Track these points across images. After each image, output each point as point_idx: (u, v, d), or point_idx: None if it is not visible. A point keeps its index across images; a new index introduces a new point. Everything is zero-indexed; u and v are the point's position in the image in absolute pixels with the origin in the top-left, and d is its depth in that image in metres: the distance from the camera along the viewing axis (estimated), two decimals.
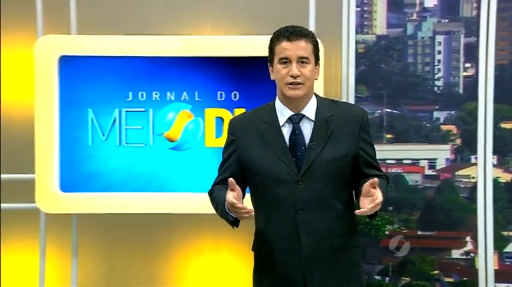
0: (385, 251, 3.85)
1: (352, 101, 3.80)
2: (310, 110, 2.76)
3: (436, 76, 3.87)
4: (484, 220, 3.81)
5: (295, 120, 2.75)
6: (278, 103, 2.79)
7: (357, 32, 3.87)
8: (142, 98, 3.77)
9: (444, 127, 3.86)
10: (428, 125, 3.86)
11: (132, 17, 4.16)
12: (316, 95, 2.82)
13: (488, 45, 3.80)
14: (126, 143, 3.78)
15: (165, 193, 3.76)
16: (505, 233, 3.85)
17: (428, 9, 3.89)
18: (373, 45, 3.89)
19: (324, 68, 3.53)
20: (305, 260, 2.70)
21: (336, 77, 3.88)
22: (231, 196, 2.59)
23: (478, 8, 3.82)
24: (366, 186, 2.58)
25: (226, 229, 4.15)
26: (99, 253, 4.24)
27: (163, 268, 4.25)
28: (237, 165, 2.80)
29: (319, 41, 2.79)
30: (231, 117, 3.71)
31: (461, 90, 3.86)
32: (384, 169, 2.89)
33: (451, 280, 3.86)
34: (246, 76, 3.73)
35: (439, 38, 3.89)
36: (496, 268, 3.84)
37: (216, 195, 2.78)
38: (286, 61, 2.70)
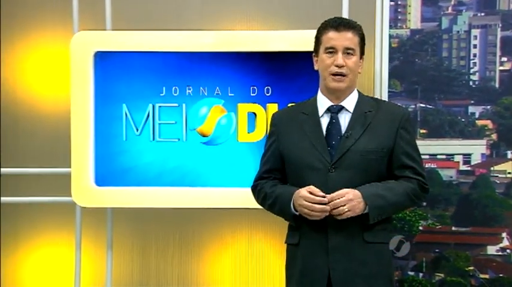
0: (419, 246, 3.83)
1: (385, 96, 3.77)
2: (350, 102, 2.78)
3: (472, 71, 3.83)
4: None
5: (334, 110, 2.77)
6: (320, 94, 2.82)
7: (390, 27, 3.84)
8: (175, 93, 3.79)
9: (479, 122, 3.81)
10: (463, 120, 3.82)
11: (168, 13, 4.17)
12: (360, 92, 2.83)
13: None
14: (160, 138, 3.80)
15: (198, 188, 3.78)
16: None
17: (464, 2, 3.84)
18: (407, 40, 3.86)
19: None
20: (331, 250, 2.70)
21: (369, 72, 3.86)
22: (305, 192, 2.66)
23: None
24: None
25: (259, 223, 4.21)
26: (133, 247, 4.27)
27: (197, 262, 4.27)
28: (277, 156, 2.85)
29: None
30: (264, 112, 3.75)
31: (497, 85, 3.81)
32: None
33: (486, 276, 3.82)
34: (278, 71, 3.72)
35: (475, 32, 3.84)
36: None
37: (272, 192, 2.83)
38: (332, 51, 2.74)
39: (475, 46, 3.83)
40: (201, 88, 3.78)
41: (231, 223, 4.22)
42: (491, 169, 3.82)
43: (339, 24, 2.75)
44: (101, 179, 3.84)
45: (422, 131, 3.84)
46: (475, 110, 3.82)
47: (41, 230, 4.26)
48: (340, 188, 2.68)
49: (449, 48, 3.85)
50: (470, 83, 3.83)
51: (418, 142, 2.89)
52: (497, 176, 3.82)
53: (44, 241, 4.26)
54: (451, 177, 3.82)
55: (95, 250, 4.22)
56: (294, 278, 2.82)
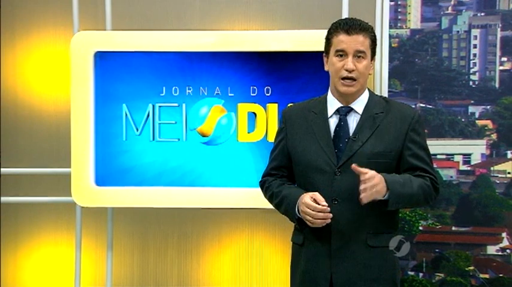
0: (419, 246, 3.83)
1: (385, 95, 3.77)
2: (359, 104, 2.77)
3: (472, 70, 3.83)
4: None
5: (343, 112, 2.76)
6: (329, 94, 2.81)
7: (390, 27, 3.84)
8: (175, 93, 3.79)
9: (480, 122, 3.81)
10: (463, 119, 3.82)
11: (167, 13, 4.18)
12: (370, 91, 2.82)
13: None
14: (160, 138, 3.81)
15: (198, 188, 3.79)
16: None
17: (464, 2, 3.84)
18: (407, 40, 3.86)
19: None
20: (333, 254, 2.70)
21: None
22: (309, 199, 2.64)
23: None
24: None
25: (259, 223, 4.21)
26: (133, 247, 4.28)
27: (196, 262, 4.27)
28: (285, 153, 2.85)
29: None
30: (264, 112, 3.75)
31: (497, 85, 3.81)
32: None
33: (486, 276, 3.82)
34: (278, 71, 3.73)
35: (475, 32, 3.84)
36: None
37: (279, 191, 2.82)
38: (342, 54, 2.71)
39: (475, 46, 3.83)
40: (201, 88, 3.79)
41: (230, 223, 4.22)
42: (491, 168, 3.81)
43: (349, 26, 2.70)
44: (101, 179, 3.84)
45: None
46: (475, 110, 3.82)
47: (41, 230, 4.26)
48: (346, 191, 2.68)
49: (449, 48, 3.85)
50: (470, 83, 3.82)
51: None
52: (497, 176, 3.81)
53: (44, 240, 4.27)
54: (451, 177, 3.82)
55: (95, 249, 4.22)
56: (297, 279, 2.82)
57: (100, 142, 3.83)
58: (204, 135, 3.80)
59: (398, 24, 3.87)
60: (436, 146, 3.82)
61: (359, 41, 2.70)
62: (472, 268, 3.82)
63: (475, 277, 3.82)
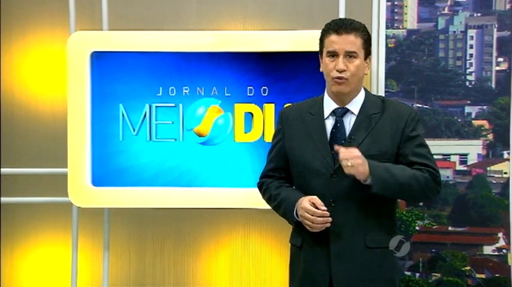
0: (416, 246, 3.83)
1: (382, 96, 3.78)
2: (355, 105, 2.76)
3: (468, 71, 3.83)
4: None
5: (339, 113, 2.75)
6: (326, 96, 2.81)
7: (387, 27, 3.84)
8: (172, 93, 3.79)
9: (476, 122, 3.81)
10: (459, 120, 3.82)
11: (164, 13, 4.18)
12: (367, 91, 2.82)
13: None
14: (157, 138, 3.81)
15: (194, 188, 3.79)
16: None
17: (460, 3, 3.84)
18: (403, 40, 3.86)
19: None
20: (332, 256, 2.70)
21: None
22: (308, 204, 2.64)
23: None
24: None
25: (255, 223, 4.21)
26: (130, 247, 4.28)
27: (193, 262, 4.28)
28: (282, 155, 2.84)
29: None
30: (260, 112, 3.75)
31: (493, 85, 3.81)
32: None
33: (483, 276, 3.82)
34: (275, 71, 3.73)
35: (471, 32, 3.84)
36: None
37: (277, 194, 2.81)
38: (333, 54, 2.70)
39: (471, 46, 3.83)
40: (198, 88, 3.79)
41: (227, 223, 4.22)
42: (488, 169, 3.82)
43: (339, 27, 2.69)
44: (98, 180, 3.84)
45: None
46: (472, 110, 3.82)
47: (38, 230, 4.26)
48: (343, 193, 2.68)
49: (445, 49, 3.85)
50: (467, 83, 3.83)
51: None
52: (493, 176, 3.82)
53: (40, 241, 4.26)
54: (448, 177, 3.82)
55: (91, 250, 4.22)
56: (296, 281, 2.82)
57: (97, 142, 3.83)
58: (200, 136, 3.80)
59: (395, 25, 3.87)
60: (433, 147, 3.79)
61: (349, 41, 2.69)
62: (468, 268, 3.82)
63: (472, 277, 3.83)
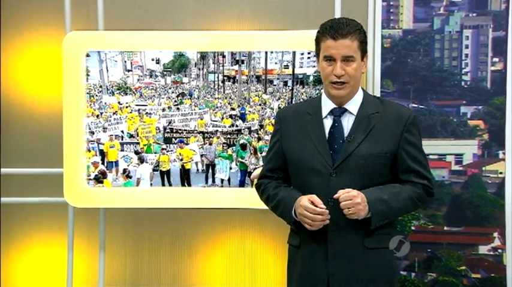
0: (412, 246, 3.83)
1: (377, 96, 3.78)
2: (354, 105, 2.76)
3: (464, 71, 3.83)
4: (511, 215, 3.77)
5: (337, 113, 2.75)
6: (324, 96, 2.81)
7: (383, 27, 3.84)
8: None
9: (471, 122, 3.82)
10: (455, 120, 3.82)
11: (160, 13, 4.18)
12: (365, 91, 2.82)
13: None
14: None
15: (190, 188, 3.79)
16: None
17: (455, 3, 3.84)
18: (399, 40, 3.86)
19: None
20: (330, 256, 2.70)
21: None
22: (307, 202, 2.65)
23: (507, 1, 3.77)
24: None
25: (251, 223, 4.21)
26: (126, 247, 4.28)
27: (189, 262, 4.27)
28: (280, 155, 2.84)
29: None
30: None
31: (489, 85, 3.81)
32: None
33: (478, 276, 3.83)
34: None
35: (467, 32, 3.84)
36: None
37: (275, 194, 2.81)
38: (330, 59, 2.70)
39: (466, 46, 3.84)
40: None
41: (223, 223, 4.22)
42: (483, 168, 3.82)
43: (335, 32, 2.68)
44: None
45: None
46: (467, 110, 3.82)
47: (34, 230, 4.26)
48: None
49: (441, 49, 3.85)
50: (462, 83, 3.83)
51: None
52: (489, 176, 3.82)
53: (36, 241, 4.26)
54: (443, 177, 3.82)
55: (87, 250, 4.22)
56: (294, 281, 2.81)
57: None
58: None
59: (391, 25, 3.88)
60: (428, 147, 3.81)
61: (346, 46, 2.69)
62: (464, 267, 3.83)
63: (467, 276, 3.83)
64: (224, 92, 3.80)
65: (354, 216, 2.64)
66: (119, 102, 3.83)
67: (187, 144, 3.80)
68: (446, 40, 3.85)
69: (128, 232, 4.27)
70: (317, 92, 3.72)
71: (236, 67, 3.77)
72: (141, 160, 3.82)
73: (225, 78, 3.79)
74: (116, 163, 3.83)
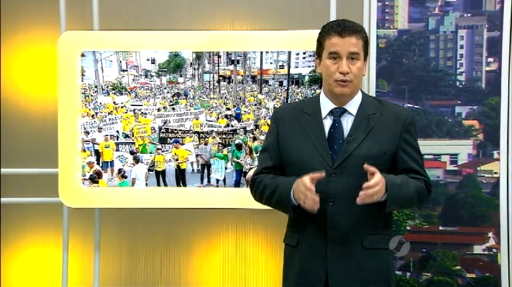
0: None
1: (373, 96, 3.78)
2: (353, 105, 2.76)
3: (459, 71, 3.84)
4: (506, 215, 3.78)
5: (337, 113, 2.75)
6: (323, 96, 2.79)
7: (378, 27, 3.85)
8: None
9: (466, 122, 3.83)
10: (450, 120, 3.83)
11: (155, 13, 4.17)
12: (363, 92, 2.82)
13: None
14: None
15: (186, 188, 3.79)
16: None
17: (450, 3, 3.85)
18: (394, 40, 3.87)
19: None
20: (329, 255, 2.69)
21: None
22: (308, 180, 2.59)
23: (502, 1, 3.78)
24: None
25: (247, 223, 4.21)
26: (121, 247, 4.27)
27: (185, 262, 4.27)
28: (276, 154, 2.82)
29: None
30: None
31: (483, 85, 3.82)
32: None
33: (473, 275, 3.83)
34: None
35: (462, 33, 3.85)
36: None
37: (272, 182, 2.76)
38: (336, 56, 2.70)
39: (461, 47, 3.84)
40: None
41: (218, 223, 4.22)
42: (478, 168, 3.83)
43: (342, 29, 2.69)
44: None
45: None
46: (462, 110, 3.83)
47: (29, 230, 4.25)
48: (341, 192, 2.67)
49: (436, 49, 3.86)
50: (457, 83, 3.84)
51: None
52: (483, 176, 3.83)
53: (31, 241, 4.25)
54: (438, 177, 3.83)
55: (82, 250, 4.21)
56: (291, 280, 2.81)
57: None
58: None
59: (386, 25, 3.88)
60: (423, 146, 3.79)
61: (352, 43, 2.69)
62: (458, 267, 3.83)
63: (462, 276, 3.84)
64: (219, 92, 3.80)
65: (374, 198, 2.59)
66: (114, 102, 3.82)
67: (182, 144, 3.79)
68: (441, 40, 3.86)
69: (123, 232, 4.27)
70: (312, 92, 3.72)
71: (231, 67, 3.77)
72: (137, 160, 3.81)
73: (221, 78, 3.79)
74: (111, 163, 3.82)
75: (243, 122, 3.78)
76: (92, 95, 3.81)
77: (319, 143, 2.72)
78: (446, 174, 3.85)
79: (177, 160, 3.80)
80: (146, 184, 3.81)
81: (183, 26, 4.09)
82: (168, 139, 3.81)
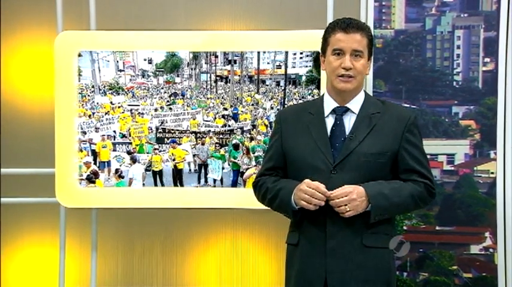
0: None
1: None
2: (356, 104, 2.77)
3: (455, 71, 3.85)
4: (503, 215, 3.78)
5: (339, 112, 2.76)
6: (326, 95, 2.81)
7: (375, 27, 3.85)
8: None
9: (463, 122, 3.83)
10: (447, 120, 3.84)
11: (152, 13, 4.17)
12: (366, 92, 2.83)
13: (508, 40, 3.76)
14: None
15: (183, 188, 3.79)
16: None
17: (447, 3, 3.86)
18: (391, 40, 3.87)
19: None
20: (328, 253, 2.70)
21: None
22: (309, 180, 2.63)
23: (498, 2, 3.78)
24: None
25: (244, 223, 4.21)
26: (118, 247, 4.27)
27: (181, 262, 4.27)
28: (280, 154, 2.83)
29: None
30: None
31: (480, 85, 3.83)
32: None
33: (470, 275, 3.84)
34: None
35: (459, 33, 3.86)
36: None
37: (274, 186, 2.79)
38: (339, 53, 2.71)
39: (458, 47, 3.85)
40: None
41: (215, 223, 4.22)
42: (475, 168, 3.83)
43: (347, 25, 2.71)
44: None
45: None
46: (459, 110, 3.84)
47: (25, 230, 4.25)
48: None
49: (433, 49, 3.87)
50: (454, 83, 3.84)
51: None
52: (480, 176, 3.83)
53: (28, 241, 4.25)
54: (435, 177, 3.81)
55: (79, 250, 4.21)
56: (292, 279, 2.81)
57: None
58: None
59: (383, 25, 3.89)
60: None
61: (356, 40, 2.71)
62: (455, 267, 3.84)
63: (459, 276, 3.84)
64: (217, 92, 3.80)
65: (351, 213, 2.63)
66: (111, 102, 3.82)
67: (179, 144, 3.79)
68: (438, 40, 3.87)
69: (120, 232, 4.27)
70: (309, 92, 3.72)
71: (229, 67, 3.77)
72: (134, 160, 3.81)
73: (218, 78, 3.79)
74: (108, 163, 3.82)
75: (240, 122, 3.79)
76: (89, 95, 3.80)
77: (321, 141, 2.73)
78: (443, 174, 3.85)
79: (174, 160, 3.80)
80: (143, 184, 3.81)
81: (180, 26, 4.10)
82: (165, 139, 3.81)
